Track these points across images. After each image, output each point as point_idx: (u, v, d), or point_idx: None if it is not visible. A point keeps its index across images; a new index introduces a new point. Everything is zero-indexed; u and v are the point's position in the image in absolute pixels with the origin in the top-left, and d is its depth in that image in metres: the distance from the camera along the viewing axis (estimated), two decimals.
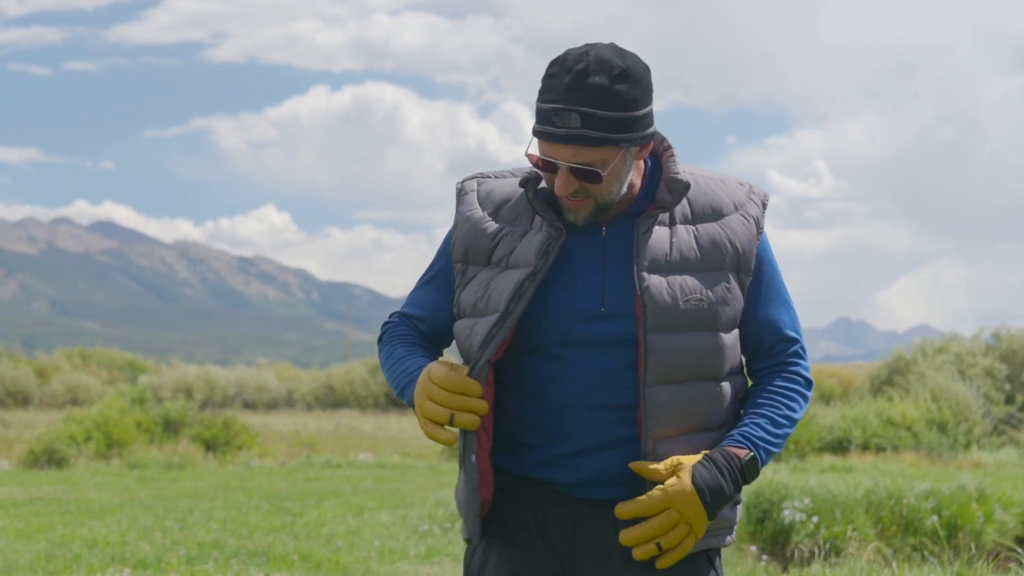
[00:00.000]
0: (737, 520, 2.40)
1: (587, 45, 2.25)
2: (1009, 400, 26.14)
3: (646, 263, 2.26)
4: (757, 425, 2.30)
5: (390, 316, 2.53)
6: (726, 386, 2.33)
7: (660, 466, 2.21)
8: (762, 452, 2.27)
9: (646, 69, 2.26)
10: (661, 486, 2.19)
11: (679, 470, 2.20)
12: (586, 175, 2.22)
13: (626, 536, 2.19)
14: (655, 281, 2.26)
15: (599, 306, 2.28)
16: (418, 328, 2.48)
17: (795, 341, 2.40)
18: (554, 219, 2.30)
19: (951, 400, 23.56)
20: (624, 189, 2.28)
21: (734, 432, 2.30)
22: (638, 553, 2.20)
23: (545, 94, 2.23)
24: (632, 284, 2.28)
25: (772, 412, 2.32)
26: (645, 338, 2.24)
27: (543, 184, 2.35)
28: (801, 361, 2.40)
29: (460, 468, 2.35)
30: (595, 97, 2.18)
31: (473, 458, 2.29)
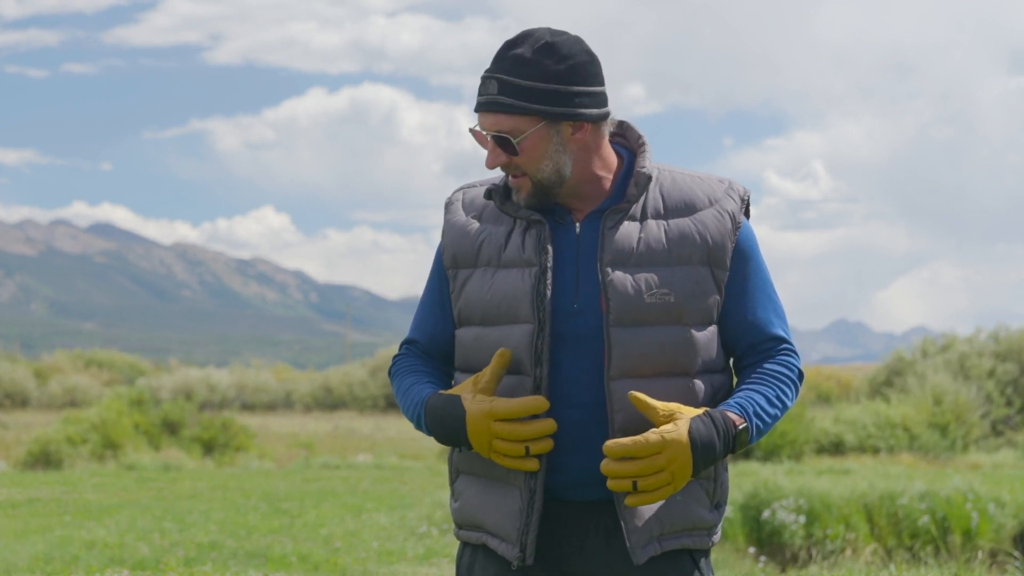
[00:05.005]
0: (719, 522, 2.37)
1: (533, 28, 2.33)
2: (1009, 403, 26.09)
3: (610, 258, 2.27)
4: (752, 400, 2.27)
5: (399, 347, 2.53)
6: (700, 383, 2.30)
7: (659, 406, 2.18)
8: (755, 426, 2.25)
9: (584, 52, 2.29)
10: (657, 431, 2.15)
11: (677, 418, 2.17)
12: (500, 142, 2.27)
13: (607, 467, 2.16)
14: (619, 275, 2.26)
15: (572, 302, 2.29)
16: (424, 352, 2.48)
17: (783, 340, 2.37)
18: (530, 215, 2.32)
19: (950, 401, 23.55)
20: (566, 170, 2.29)
21: (730, 400, 2.26)
22: (612, 485, 2.16)
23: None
24: (599, 279, 2.29)
25: (766, 391, 2.29)
26: (608, 332, 2.25)
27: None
28: (793, 357, 2.36)
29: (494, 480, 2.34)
30: (513, 66, 2.25)
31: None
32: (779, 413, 2.30)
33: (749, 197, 2.39)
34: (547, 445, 2.23)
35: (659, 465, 2.14)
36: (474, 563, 2.39)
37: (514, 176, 2.30)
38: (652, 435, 2.14)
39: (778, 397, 2.30)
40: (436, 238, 2.51)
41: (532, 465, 2.24)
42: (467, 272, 2.38)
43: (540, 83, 2.25)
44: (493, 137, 2.27)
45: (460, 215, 2.43)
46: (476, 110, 2.30)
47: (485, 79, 2.28)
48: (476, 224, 2.39)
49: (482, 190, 2.44)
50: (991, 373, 26.32)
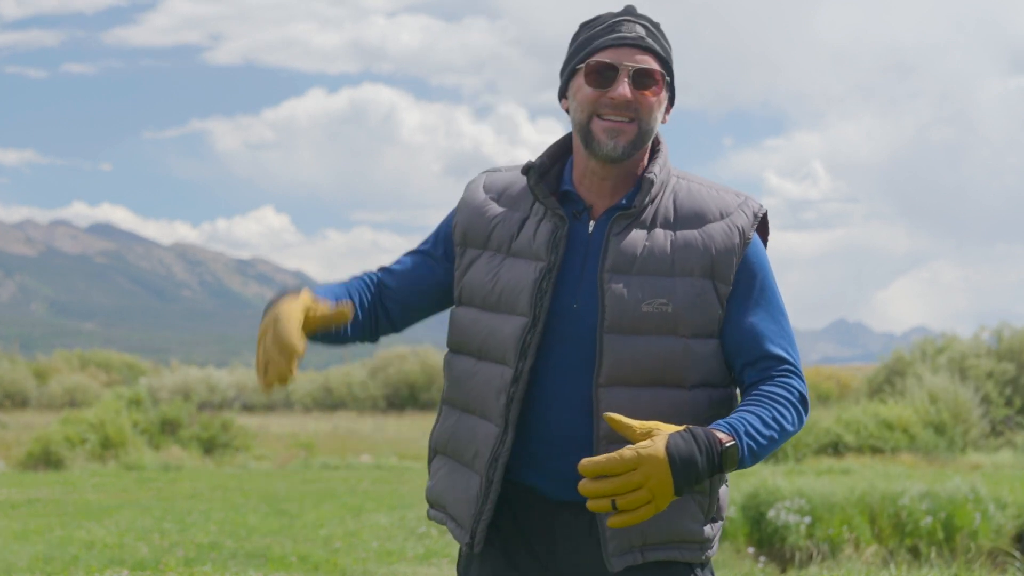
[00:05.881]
0: (714, 535, 2.33)
1: None
2: (1009, 403, 26.03)
3: (611, 264, 2.26)
4: (744, 420, 2.19)
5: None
6: (695, 396, 2.26)
7: (636, 424, 2.09)
8: (746, 444, 2.15)
9: None
10: (632, 447, 2.06)
11: (655, 435, 2.08)
12: (650, 76, 2.29)
13: (584, 487, 2.06)
14: (618, 282, 2.25)
15: (573, 302, 2.29)
16: (387, 276, 2.49)
17: (784, 360, 2.30)
18: (556, 207, 2.32)
19: (949, 402, 23.54)
20: (651, 136, 2.33)
21: (719, 421, 2.18)
22: (592, 505, 2.07)
23: (594, 28, 2.33)
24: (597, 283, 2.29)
25: (761, 412, 2.21)
26: (601, 338, 2.24)
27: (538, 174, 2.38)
28: (794, 379, 2.28)
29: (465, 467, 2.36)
30: (650, 23, 2.36)
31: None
32: (776, 435, 2.21)
33: (765, 214, 2.35)
34: (275, 383, 2.14)
35: (636, 482, 2.04)
36: (470, 564, 2.41)
37: (617, 121, 2.29)
38: (627, 451, 2.06)
39: (774, 419, 2.21)
40: None
41: (261, 383, 2.16)
42: (475, 252, 2.39)
43: (669, 48, 2.36)
44: (638, 70, 2.28)
45: (479, 194, 2.44)
46: (618, 45, 2.30)
47: (627, 22, 2.32)
48: (493, 206, 2.40)
49: (506, 175, 2.45)
50: (990, 374, 26.29)
